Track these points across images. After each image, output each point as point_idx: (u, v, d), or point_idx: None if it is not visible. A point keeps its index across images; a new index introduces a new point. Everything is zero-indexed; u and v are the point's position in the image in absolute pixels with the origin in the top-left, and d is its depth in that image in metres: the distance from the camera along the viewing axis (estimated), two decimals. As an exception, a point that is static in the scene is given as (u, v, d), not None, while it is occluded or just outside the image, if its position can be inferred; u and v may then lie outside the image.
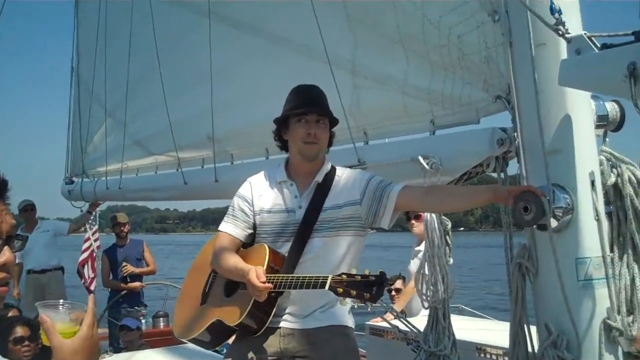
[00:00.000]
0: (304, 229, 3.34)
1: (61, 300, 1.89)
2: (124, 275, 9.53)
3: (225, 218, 3.55)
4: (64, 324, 1.81)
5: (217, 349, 6.07)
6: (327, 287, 2.92)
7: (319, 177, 3.42)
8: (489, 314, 8.38)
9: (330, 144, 3.51)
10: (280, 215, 3.42)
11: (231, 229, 3.49)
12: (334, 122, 3.45)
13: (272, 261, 3.29)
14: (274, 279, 3.15)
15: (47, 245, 10.08)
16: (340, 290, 2.87)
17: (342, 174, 3.48)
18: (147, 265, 10.09)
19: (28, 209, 10.20)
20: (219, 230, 3.53)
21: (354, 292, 2.85)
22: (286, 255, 3.35)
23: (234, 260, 3.35)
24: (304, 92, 3.43)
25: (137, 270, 9.73)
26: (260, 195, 3.50)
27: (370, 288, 2.83)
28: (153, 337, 8.68)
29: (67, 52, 9.40)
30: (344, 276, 2.90)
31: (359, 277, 2.87)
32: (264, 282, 3.08)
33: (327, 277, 2.95)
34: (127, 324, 8.06)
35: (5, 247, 1.72)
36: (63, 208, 10.49)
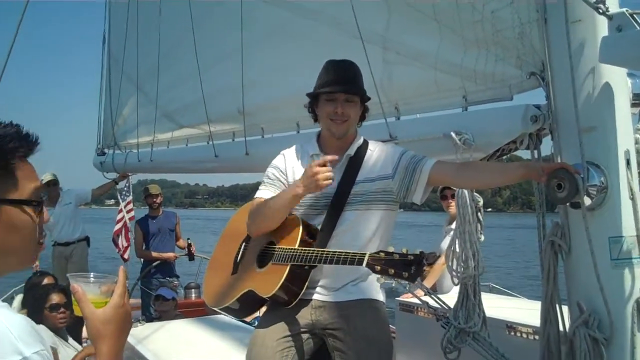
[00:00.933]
0: (337, 201, 3.35)
1: (92, 273, 1.91)
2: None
3: (260, 187, 3.57)
4: (95, 296, 1.83)
5: (248, 321, 6.16)
6: (364, 264, 2.91)
7: (351, 151, 3.42)
8: (519, 294, 8.36)
9: (363, 119, 3.50)
10: None
11: (267, 194, 3.50)
12: (365, 98, 3.43)
13: (306, 234, 3.31)
14: (310, 253, 3.16)
15: (71, 218, 10.21)
16: (378, 268, 2.86)
17: (375, 148, 3.48)
18: (178, 239, 10.21)
19: (51, 183, 10.32)
20: (255, 198, 3.54)
21: (392, 271, 2.83)
22: (319, 228, 3.36)
23: (273, 198, 3.39)
24: (335, 69, 3.41)
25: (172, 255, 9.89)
26: (293, 167, 3.52)
27: (408, 267, 2.80)
28: (185, 308, 8.78)
29: (99, 25, 9.47)
30: (382, 254, 2.89)
31: (397, 255, 2.85)
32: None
33: (365, 254, 2.94)
34: (163, 294, 8.13)
35: (44, 208, 1.76)
36: (95, 179, 10.59)
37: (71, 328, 5.28)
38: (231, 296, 3.47)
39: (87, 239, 10.41)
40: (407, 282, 2.83)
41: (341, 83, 3.35)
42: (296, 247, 3.25)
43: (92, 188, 10.75)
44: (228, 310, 3.58)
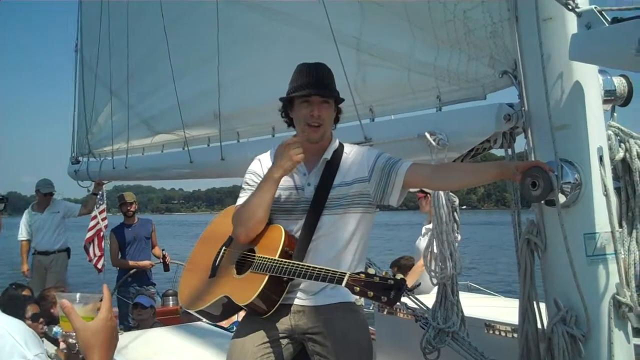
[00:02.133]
0: (315, 206, 3.34)
1: (78, 293, 2.02)
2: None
3: (240, 194, 3.55)
4: (81, 312, 1.93)
5: (226, 327, 6.13)
6: (343, 283, 2.91)
7: (327, 155, 3.41)
8: (496, 290, 8.41)
9: (337, 121, 3.49)
10: (290, 192, 3.42)
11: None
12: (339, 100, 3.43)
13: (287, 245, 3.30)
14: (290, 266, 3.15)
15: (56, 226, 10.23)
16: (357, 289, 2.85)
17: (350, 151, 3.47)
18: (153, 246, 10.15)
19: (47, 194, 10.41)
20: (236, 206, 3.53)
21: (370, 293, 2.81)
22: (298, 233, 3.35)
23: (252, 194, 3.40)
24: (309, 72, 3.39)
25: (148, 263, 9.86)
26: None
27: (388, 292, 2.78)
28: (163, 316, 8.73)
29: (71, 32, 9.43)
30: (362, 275, 2.88)
31: (378, 278, 2.84)
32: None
33: (345, 273, 2.93)
34: (141, 302, 8.07)
35: None
36: (69, 188, 10.61)
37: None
38: (206, 300, 3.44)
39: (67, 250, 10.37)
40: (385, 305, 2.82)
41: (316, 86, 3.34)
42: (276, 257, 3.23)
43: (80, 206, 10.70)
44: (202, 313, 3.55)
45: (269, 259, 3.25)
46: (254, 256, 3.35)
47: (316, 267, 3.07)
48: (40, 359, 1.56)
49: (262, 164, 3.54)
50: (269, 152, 3.59)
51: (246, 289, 3.27)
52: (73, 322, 1.87)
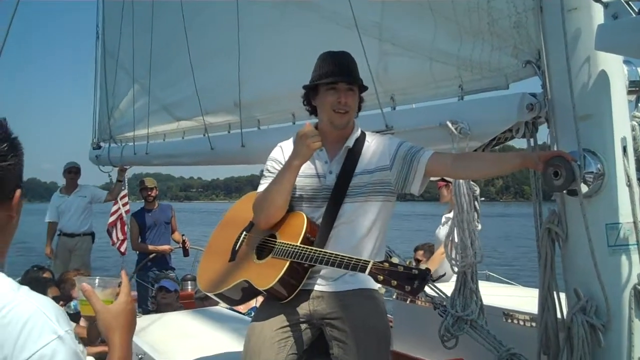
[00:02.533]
0: (336, 194, 3.35)
1: (97, 278, 2.07)
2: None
3: (261, 181, 3.56)
4: (101, 296, 1.98)
5: (244, 312, 6.17)
6: (367, 271, 2.90)
7: (350, 143, 3.42)
8: (515, 282, 8.38)
9: (359, 110, 3.50)
10: (312, 180, 3.43)
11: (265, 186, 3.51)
12: (363, 88, 3.44)
13: (309, 232, 3.30)
14: (312, 252, 3.16)
15: (82, 210, 10.28)
16: (381, 277, 2.84)
17: (372, 139, 3.48)
18: (173, 231, 10.22)
19: (72, 171, 10.42)
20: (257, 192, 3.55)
21: (394, 282, 2.80)
22: (319, 220, 3.37)
23: (273, 181, 3.41)
24: (335, 59, 3.40)
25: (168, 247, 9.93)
26: None
27: (412, 281, 2.77)
28: (183, 300, 8.78)
29: (92, 20, 9.47)
30: (386, 264, 2.87)
31: (402, 267, 2.83)
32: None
33: (368, 261, 2.93)
34: (166, 286, 8.10)
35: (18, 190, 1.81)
36: (89, 175, 10.66)
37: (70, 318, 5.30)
38: (226, 283, 3.46)
39: (92, 235, 10.45)
40: (408, 295, 2.82)
41: (342, 73, 3.35)
42: (298, 243, 3.24)
43: (107, 192, 10.77)
44: (221, 297, 3.56)
45: (290, 244, 3.26)
46: (275, 242, 3.37)
47: (339, 255, 3.07)
48: (69, 334, 1.60)
49: (283, 151, 3.54)
50: (291, 139, 3.59)
51: (267, 274, 3.28)
52: (94, 305, 1.92)
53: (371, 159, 3.38)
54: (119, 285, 2.01)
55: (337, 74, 3.33)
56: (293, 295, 3.31)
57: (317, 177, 3.42)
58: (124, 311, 1.94)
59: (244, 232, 3.56)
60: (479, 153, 3.58)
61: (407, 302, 5.97)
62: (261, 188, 3.49)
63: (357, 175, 3.35)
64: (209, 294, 3.63)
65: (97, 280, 2.05)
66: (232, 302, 3.73)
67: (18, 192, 1.74)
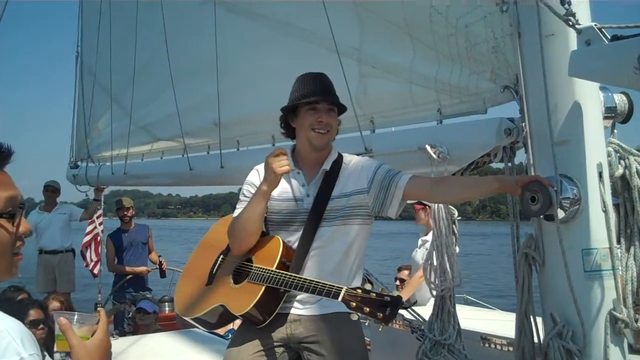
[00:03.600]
0: (313, 217, 3.34)
1: (76, 313, 2.06)
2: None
3: (237, 205, 3.54)
4: (77, 332, 1.97)
5: (222, 334, 6.13)
6: (340, 298, 2.90)
7: (327, 166, 3.42)
8: (492, 303, 8.41)
9: (336, 132, 3.50)
10: (288, 204, 3.42)
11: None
12: (342, 110, 3.45)
13: (285, 256, 3.29)
14: (287, 278, 3.15)
15: (63, 227, 10.29)
16: (354, 304, 2.84)
17: (350, 161, 3.48)
18: (150, 251, 10.15)
19: (52, 190, 10.43)
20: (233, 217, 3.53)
21: (366, 309, 2.81)
22: (296, 244, 3.36)
23: (245, 207, 3.39)
24: (315, 80, 3.41)
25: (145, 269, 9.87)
26: None
27: (384, 308, 2.79)
28: (160, 322, 8.72)
29: (72, 37, 9.45)
30: (359, 291, 2.87)
31: (374, 294, 2.83)
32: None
33: (342, 288, 2.92)
34: (144, 307, 8.04)
35: (22, 218, 1.79)
36: (66, 193, 10.60)
37: (47, 346, 5.23)
38: (202, 308, 3.45)
39: (73, 251, 10.40)
40: (380, 322, 2.82)
41: (324, 93, 3.36)
42: (274, 268, 3.23)
43: (83, 210, 10.69)
44: (197, 320, 3.55)
45: (266, 269, 3.25)
46: (252, 266, 3.35)
47: (313, 281, 3.07)
48: (34, 358, 1.58)
49: (259, 174, 3.50)
50: None
51: (242, 299, 3.27)
52: (70, 340, 1.91)
53: (348, 182, 3.38)
54: (97, 323, 2.01)
55: (319, 93, 3.34)
56: (269, 320, 3.29)
57: (295, 200, 3.41)
58: (99, 347, 1.94)
59: (221, 256, 3.55)
60: (457, 177, 3.59)
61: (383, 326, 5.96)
62: (236, 213, 3.48)
63: (334, 198, 3.35)
64: (185, 318, 3.60)
65: (75, 316, 2.03)
66: (208, 326, 3.72)
67: None
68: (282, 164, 3.22)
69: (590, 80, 3.00)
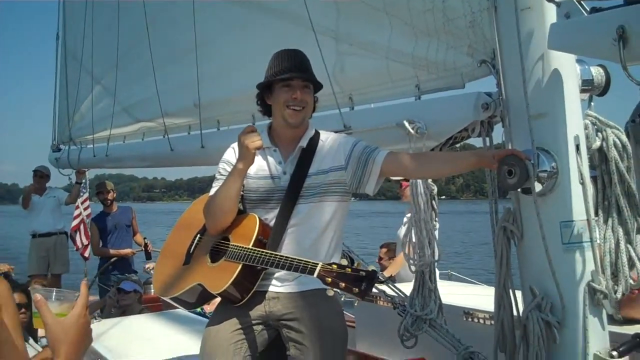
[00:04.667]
0: (290, 195, 3.33)
1: (55, 290, 1.96)
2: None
3: (213, 184, 3.53)
4: (55, 309, 1.87)
5: (205, 313, 6.14)
6: (315, 274, 2.90)
7: (303, 143, 3.40)
8: (478, 279, 8.45)
9: (314, 110, 3.49)
10: (265, 182, 3.41)
11: (216, 186, 3.49)
12: (318, 87, 3.43)
13: (261, 233, 3.29)
14: (263, 255, 3.15)
15: (54, 209, 10.44)
16: (329, 280, 2.84)
17: (327, 138, 3.46)
18: (135, 233, 10.14)
19: (38, 175, 10.53)
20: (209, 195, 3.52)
21: (342, 284, 2.81)
22: (273, 221, 3.35)
23: (221, 186, 3.39)
24: (289, 56, 3.38)
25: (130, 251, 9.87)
26: None
27: (359, 283, 2.79)
28: (147, 304, 8.70)
29: (52, 20, 9.36)
30: (335, 266, 2.87)
31: (350, 269, 2.84)
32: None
33: (317, 264, 2.92)
34: (123, 287, 8.02)
35: None
36: (57, 177, 10.61)
37: (30, 329, 5.22)
38: (180, 287, 3.44)
39: (66, 234, 10.50)
40: (357, 297, 2.82)
41: (298, 70, 3.34)
42: (250, 246, 3.23)
43: (68, 194, 10.70)
44: (176, 300, 3.55)
45: (242, 247, 3.24)
46: (228, 244, 3.35)
47: (289, 257, 3.07)
48: None
49: (235, 152, 3.47)
50: None
51: (219, 277, 3.26)
52: (44, 318, 1.82)
53: (325, 159, 3.37)
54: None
55: (293, 70, 3.32)
56: (247, 298, 3.30)
57: (271, 178, 3.40)
58: (75, 325, 1.83)
59: (198, 235, 3.54)
60: (434, 152, 3.59)
61: (366, 301, 5.99)
62: (212, 191, 3.47)
63: (312, 175, 3.34)
64: (163, 298, 3.60)
65: (54, 293, 1.93)
66: (188, 306, 3.72)
67: None
68: (255, 139, 3.21)
69: (570, 52, 3.01)
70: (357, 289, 2.78)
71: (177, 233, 3.79)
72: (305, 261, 2.98)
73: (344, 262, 2.93)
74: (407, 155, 3.43)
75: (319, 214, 3.34)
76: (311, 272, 2.92)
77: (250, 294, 3.29)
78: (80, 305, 1.86)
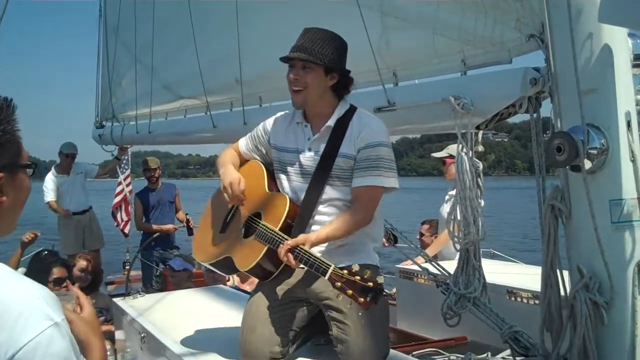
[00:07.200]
0: (319, 175, 3.34)
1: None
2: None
3: (243, 138, 3.75)
4: None
5: (249, 290, 6.16)
6: (326, 276, 2.95)
7: (331, 122, 3.37)
8: (519, 257, 8.37)
9: (345, 90, 3.43)
10: (292, 155, 3.45)
11: (243, 143, 3.71)
12: (334, 67, 3.34)
13: (290, 217, 3.32)
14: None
15: (83, 186, 10.41)
16: (338, 284, 2.90)
17: (359, 121, 3.39)
18: (177, 210, 10.20)
19: (70, 155, 10.43)
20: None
21: (349, 292, 2.86)
22: (302, 200, 3.37)
23: (224, 160, 3.62)
24: (300, 36, 3.37)
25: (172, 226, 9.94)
26: (277, 132, 3.55)
27: (365, 294, 2.84)
28: (193, 279, 8.74)
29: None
30: (345, 272, 2.91)
31: (359, 278, 2.88)
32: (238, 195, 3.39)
33: (330, 265, 2.97)
34: (172, 265, 8.07)
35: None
36: (91, 153, 10.67)
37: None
38: (212, 256, 3.57)
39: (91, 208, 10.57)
40: (361, 307, 2.85)
41: (297, 49, 3.30)
42: (277, 229, 3.26)
43: (98, 167, 10.79)
44: (215, 266, 3.66)
45: (270, 230, 3.28)
46: (259, 222, 3.37)
47: (307, 252, 3.09)
48: (65, 323, 1.57)
49: (275, 121, 3.61)
50: (287, 112, 3.58)
51: (247, 255, 3.35)
52: (68, 316, 1.80)
53: (354, 143, 3.33)
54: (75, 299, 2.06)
55: (293, 50, 3.30)
56: (273, 277, 3.38)
57: (298, 152, 3.43)
58: (93, 317, 2.00)
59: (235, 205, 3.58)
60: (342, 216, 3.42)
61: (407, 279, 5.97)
62: (240, 141, 3.71)
63: (341, 157, 3.32)
64: (202, 263, 3.69)
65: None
66: (225, 271, 3.86)
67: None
68: (230, 191, 3.44)
69: (621, 26, 2.92)
70: (362, 299, 2.83)
71: (217, 198, 3.80)
72: (320, 260, 3.02)
73: (356, 268, 2.92)
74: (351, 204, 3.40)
75: (346, 196, 3.35)
76: (323, 273, 2.97)
77: (274, 275, 3.38)
78: (88, 302, 2.05)
